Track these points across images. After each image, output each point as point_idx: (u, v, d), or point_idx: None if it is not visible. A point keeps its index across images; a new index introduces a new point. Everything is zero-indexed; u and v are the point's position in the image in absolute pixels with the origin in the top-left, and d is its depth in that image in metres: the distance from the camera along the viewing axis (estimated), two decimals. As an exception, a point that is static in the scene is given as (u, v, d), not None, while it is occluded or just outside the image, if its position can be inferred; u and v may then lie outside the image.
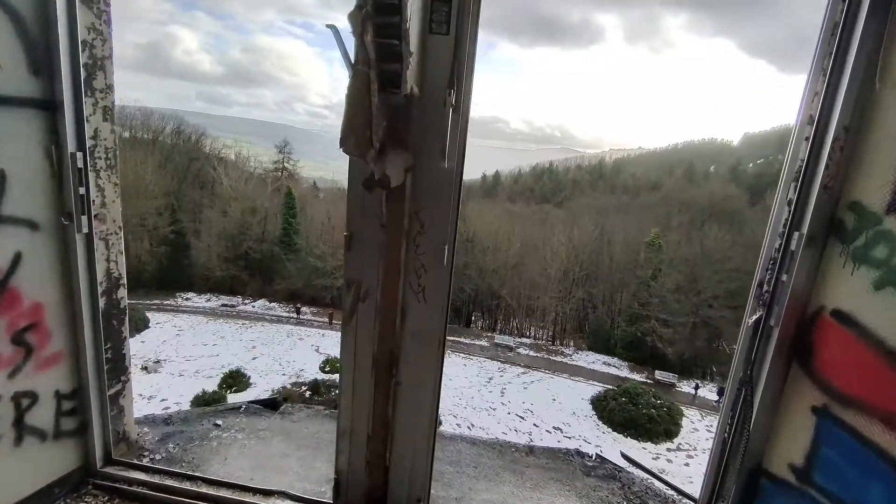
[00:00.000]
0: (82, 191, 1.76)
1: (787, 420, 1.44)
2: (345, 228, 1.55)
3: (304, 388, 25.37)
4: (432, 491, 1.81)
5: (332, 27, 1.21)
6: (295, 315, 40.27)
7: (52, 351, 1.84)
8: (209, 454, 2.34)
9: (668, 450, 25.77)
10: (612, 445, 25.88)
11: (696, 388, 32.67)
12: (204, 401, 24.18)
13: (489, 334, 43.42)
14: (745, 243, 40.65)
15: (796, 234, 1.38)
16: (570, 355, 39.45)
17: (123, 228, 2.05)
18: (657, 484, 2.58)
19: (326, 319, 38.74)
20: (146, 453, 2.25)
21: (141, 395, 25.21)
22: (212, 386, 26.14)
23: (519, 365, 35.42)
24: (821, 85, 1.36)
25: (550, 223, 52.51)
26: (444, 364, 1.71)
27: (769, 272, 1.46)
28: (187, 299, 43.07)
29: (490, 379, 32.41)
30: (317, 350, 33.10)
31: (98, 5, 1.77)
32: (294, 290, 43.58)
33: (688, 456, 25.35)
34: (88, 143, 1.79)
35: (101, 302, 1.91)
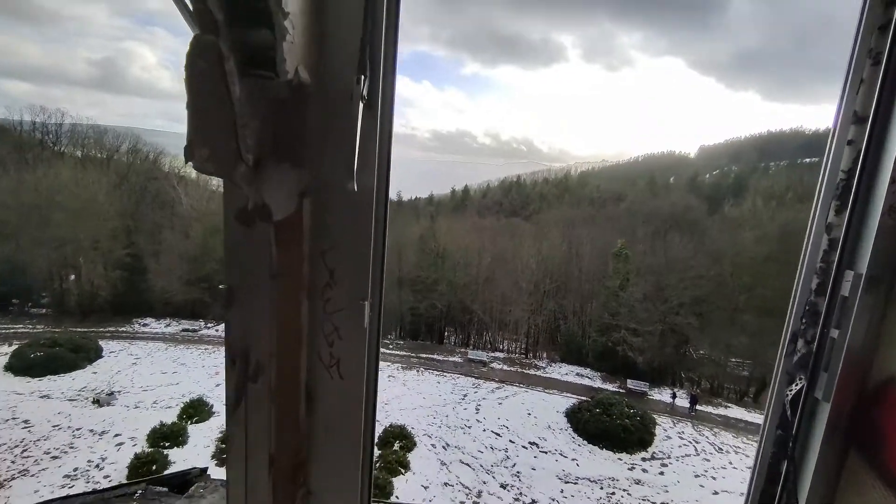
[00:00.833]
0: None
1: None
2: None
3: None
4: None
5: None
6: (260, 338, 38.58)
7: None
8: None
9: (644, 459, 25.83)
10: (589, 458, 25.72)
11: (674, 396, 33.02)
12: (162, 434, 22.57)
13: (462, 350, 42.88)
14: (706, 251, 42.05)
15: (849, 273, 1.00)
16: (544, 368, 39.33)
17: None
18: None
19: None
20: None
21: (92, 430, 23.34)
22: (171, 417, 24.46)
23: (493, 380, 35.00)
24: (870, 69, 1.00)
25: (520, 236, 52.86)
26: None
27: (809, 323, 1.08)
28: (145, 325, 40.68)
29: (464, 396, 31.83)
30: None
31: None
32: (259, 311, 41.79)
33: (662, 465, 25.44)
34: None
35: None
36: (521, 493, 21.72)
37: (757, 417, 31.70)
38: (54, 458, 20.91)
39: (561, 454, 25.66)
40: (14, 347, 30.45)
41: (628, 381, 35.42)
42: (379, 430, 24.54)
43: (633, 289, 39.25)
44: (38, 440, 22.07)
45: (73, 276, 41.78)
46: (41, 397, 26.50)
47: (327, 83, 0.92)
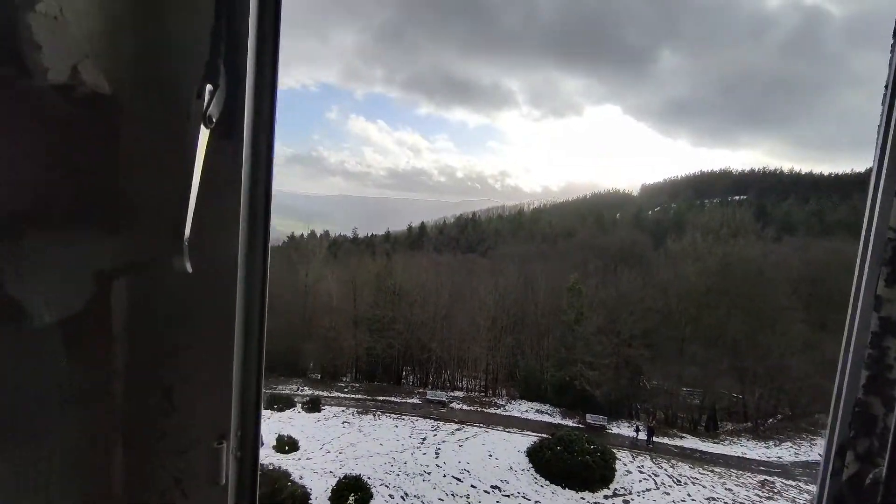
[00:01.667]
0: None
1: None
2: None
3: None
4: None
5: None
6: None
7: None
8: None
9: (606, 497, 25.45)
10: (552, 499, 25.00)
11: (637, 430, 33.08)
12: None
13: (421, 390, 41.55)
14: (654, 284, 43.83)
15: None
16: (504, 405, 38.69)
17: None
18: None
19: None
20: None
21: None
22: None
23: (453, 421, 33.91)
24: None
25: (477, 272, 53.02)
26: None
27: (859, 433, 0.80)
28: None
29: (423, 439, 30.50)
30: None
31: None
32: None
33: (624, 501, 25.13)
34: None
35: None
36: (484, 544, 20.61)
37: (710, 447, 32.40)
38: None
39: (524, 497, 24.83)
40: None
41: (587, 415, 35.35)
42: (333, 481, 22.86)
43: (587, 322, 39.89)
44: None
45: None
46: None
47: (146, 95, 0.56)
